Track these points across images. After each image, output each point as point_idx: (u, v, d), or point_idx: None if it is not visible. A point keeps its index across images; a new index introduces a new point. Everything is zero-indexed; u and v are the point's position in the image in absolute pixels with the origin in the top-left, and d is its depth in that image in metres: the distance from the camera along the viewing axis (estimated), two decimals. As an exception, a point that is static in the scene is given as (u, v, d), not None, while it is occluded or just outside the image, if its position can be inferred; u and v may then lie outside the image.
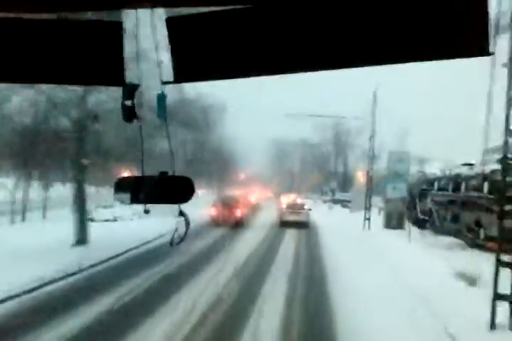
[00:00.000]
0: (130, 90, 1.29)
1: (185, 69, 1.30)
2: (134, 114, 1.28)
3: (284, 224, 21.57)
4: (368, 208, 21.56)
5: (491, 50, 1.16)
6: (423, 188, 20.44)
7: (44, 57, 1.29)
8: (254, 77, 1.33)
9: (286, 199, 26.49)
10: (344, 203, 36.81)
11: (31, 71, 1.32)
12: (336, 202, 39.24)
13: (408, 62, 1.17)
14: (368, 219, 20.84)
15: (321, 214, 27.38)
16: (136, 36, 1.28)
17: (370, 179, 23.85)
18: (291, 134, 50.88)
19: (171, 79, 1.30)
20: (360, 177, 29.74)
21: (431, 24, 1.14)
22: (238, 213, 21.39)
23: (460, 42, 1.14)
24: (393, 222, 20.60)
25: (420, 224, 18.98)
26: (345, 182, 45.07)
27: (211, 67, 1.30)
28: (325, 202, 41.72)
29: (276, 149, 56.04)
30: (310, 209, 23.48)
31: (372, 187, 23.74)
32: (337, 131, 46.30)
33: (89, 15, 1.38)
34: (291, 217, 21.96)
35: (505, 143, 7.12)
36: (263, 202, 43.74)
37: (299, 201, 24.97)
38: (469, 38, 1.14)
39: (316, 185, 54.48)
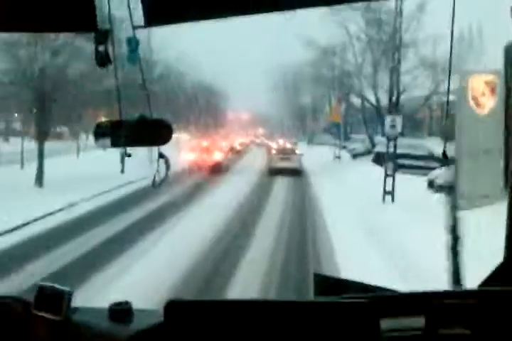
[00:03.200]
0: (102, 35, 1.57)
1: (156, 13, 1.53)
2: (108, 58, 1.56)
3: (273, 172, 22.73)
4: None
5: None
6: None
7: (11, 3, 1.45)
8: (229, 17, 1.57)
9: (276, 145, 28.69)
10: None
11: None
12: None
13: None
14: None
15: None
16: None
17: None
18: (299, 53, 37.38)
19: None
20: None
21: None
22: (217, 157, 23.37)
23: None
24: None
25: None
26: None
27: (182, 10, 1.50)
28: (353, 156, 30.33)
29: (285, 81, 51.54)
30: (302, 155, 25.08)
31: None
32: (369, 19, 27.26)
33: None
34: (281, 164, 23.14)
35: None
36: (255, 148, 44.73)
37: (289, 145, 27.68)
38: None
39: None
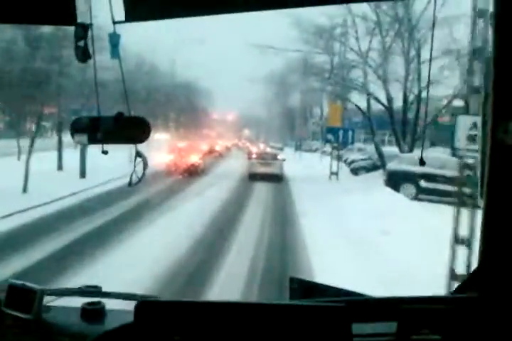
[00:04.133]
0: (82, 30, 1.66)
1: (136, 9, 1.64)
2: (88, 54, 1.66)
3: (254, 178, 23.19)
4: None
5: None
6: None
7: None
8: (207, 15, 1.69)
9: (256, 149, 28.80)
10: None
11: None
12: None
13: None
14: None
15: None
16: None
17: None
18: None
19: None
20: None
21: None
22: (195, 160, 24.34)
23: None
24: None
25: None
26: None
27: (163, 6, 1.61)
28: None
29: (275, 84, 52.49)
30: (284, 160, 25.41)
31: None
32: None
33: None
34: (262, 169, 23.67)
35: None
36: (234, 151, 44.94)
37: (269, 150, 27.50)
38: None
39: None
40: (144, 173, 1.83)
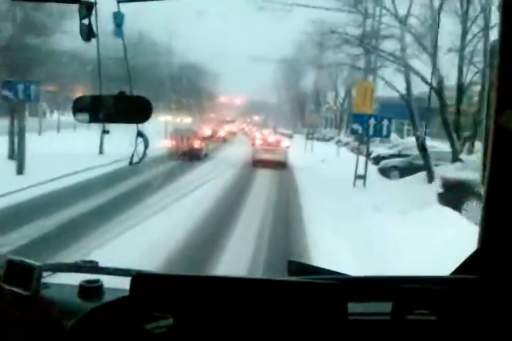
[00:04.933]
0: (86, 8, 1.76)
1: None
2: (92, 32, 1.76)
3: (257, 164, 23.94)
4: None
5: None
6: None
7: None
8: None
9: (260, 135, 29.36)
10: None
11: None
12: None
13: None
14: None
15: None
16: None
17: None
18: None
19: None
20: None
21: None
22: (196, 145, 25.25)
23: None
24: None
25: None
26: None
27: None
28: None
29: (285, 70, 50.52)
30: (288, 147, 26.16)
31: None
32: None
33: None
34: (266, 156, 24.47)
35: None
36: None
37: (274, 137, 27.94)
38: None
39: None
40: (144, 153, 1.93)
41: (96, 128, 13.83)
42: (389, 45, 20.56)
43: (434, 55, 18.28)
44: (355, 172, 18.43)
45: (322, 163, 24.78)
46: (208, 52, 53.30)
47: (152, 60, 31.65)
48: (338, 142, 35.28)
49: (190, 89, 40.76)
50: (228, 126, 49.62)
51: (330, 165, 23.41)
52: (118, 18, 1.81)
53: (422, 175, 18.67)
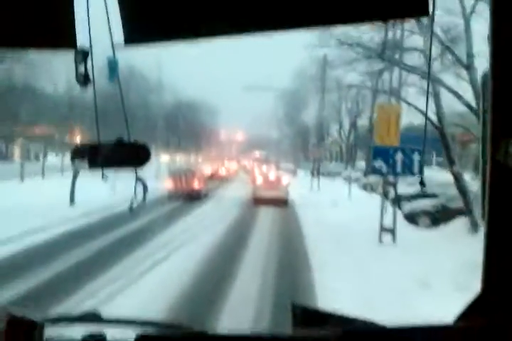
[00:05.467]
0: (82, 54, 1.82)
1: (136, 32, 1.78)
2: (88, 78, 1.81)
3: (258, 202, 24.08)
4: None
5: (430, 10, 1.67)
6: None
7: None
8: (206, 37, 1.82)
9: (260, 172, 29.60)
10: None
11: None
12: None
13: (343, 23, 1.71)
14: None
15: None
16: None
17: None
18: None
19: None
20: None
21: None
22: (195, 186, 25.65)
23: (398, 2, 1.57)
24: None
25: None
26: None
27: (165, 28, 1.74)
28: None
29: (286, 102, 52.87)
30: (289, 184, 26.43)
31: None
32: None
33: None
34: (266, 193, 24.79)
35: None
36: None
37: (274, 174, 28.28)
38: None
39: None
40: (144, 198, 1.97)
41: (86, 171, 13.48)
42: (409, 58, 17.78)
43: (470, 67, 15.23)
44: (381, 223, 14.86)
45: (333, 207, 21.56)
46: (204, 85, 53.84)
47: (145, 96, 32.17)
48: (346, 178, 33.62)
49: (187, 126, 41.17)
50: (228, 164, 49.88)
51: (343, 210, 20.05)
52: (112, 63, 1.86)
53: (462, 222, 15.47)
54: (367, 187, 29.28)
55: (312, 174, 33.79)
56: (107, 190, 15.47)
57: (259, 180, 26.77)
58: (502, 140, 1.45)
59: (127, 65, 27.20)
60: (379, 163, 14.90)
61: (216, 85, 61.98)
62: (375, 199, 19.01)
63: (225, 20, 1.67)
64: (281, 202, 24.16)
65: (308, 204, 23.15)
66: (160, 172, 28.91)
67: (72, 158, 1.95)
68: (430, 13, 1.60)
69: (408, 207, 18.38)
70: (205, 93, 57.16)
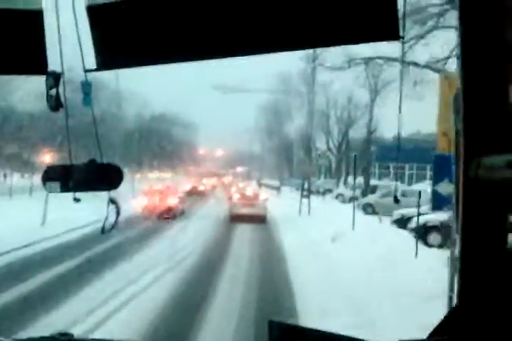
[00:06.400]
0: (53, 79, 1.96)
1: (107, 57, 1.91)
2: (60, 102, 1.96)
3: (235, 220, 24.79)
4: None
5: (401, 33, 1.88)
6: None
7: None
8: (178, 62, 1.98)
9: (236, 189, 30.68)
10: None
11: None
12: None
13: (317, 46, 1.87)
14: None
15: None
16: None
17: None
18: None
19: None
20: None
21: (342, 7, 1.71)
22: (171, 203, 26.31)
23: (370, 26, 1.72)
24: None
25: None
26: None
27: (133, 55, 1.87)
28: None
29: (268, 112, 53.83)
30: (267, 199, 27.30)
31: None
32: None
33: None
34: (244, 210, 25.45)
35: None
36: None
37: (251, 190, 29.07)
38: (379, 21, 1.70)
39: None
40: (116, 220, 2.11)
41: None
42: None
43: None
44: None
45: (333, 243, 16.72)
46: (179, 99, 53.91)
47: (118, 111, 32.27)
48: (339, 196, 31.74)
49: (164, 141, 41.38)
50: (207, 180, 49.95)
51: (350, 250, 14.79)
52: (86, 87, 2.01)
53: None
54: (367, 209, 26.05)
55: (302, 195, 30.65)
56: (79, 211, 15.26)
57: (236, 197, 27.32)
58: (474, 159, 1.55)
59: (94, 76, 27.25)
60: (445, 188, 9.41)
61: (194, 96, 62.04)
62: (390, 229, 15.94)
63: (197, 45, 1.81)
64: (259, 219, 24.85)
65: (297, 239, 18.57)
66: (134, 190, 28.92)
67: (44, 181, 2.07)
68: (401, 37, 1.78)
69: (415, 223, 15.37)
70: (182, 108, 57.02)
